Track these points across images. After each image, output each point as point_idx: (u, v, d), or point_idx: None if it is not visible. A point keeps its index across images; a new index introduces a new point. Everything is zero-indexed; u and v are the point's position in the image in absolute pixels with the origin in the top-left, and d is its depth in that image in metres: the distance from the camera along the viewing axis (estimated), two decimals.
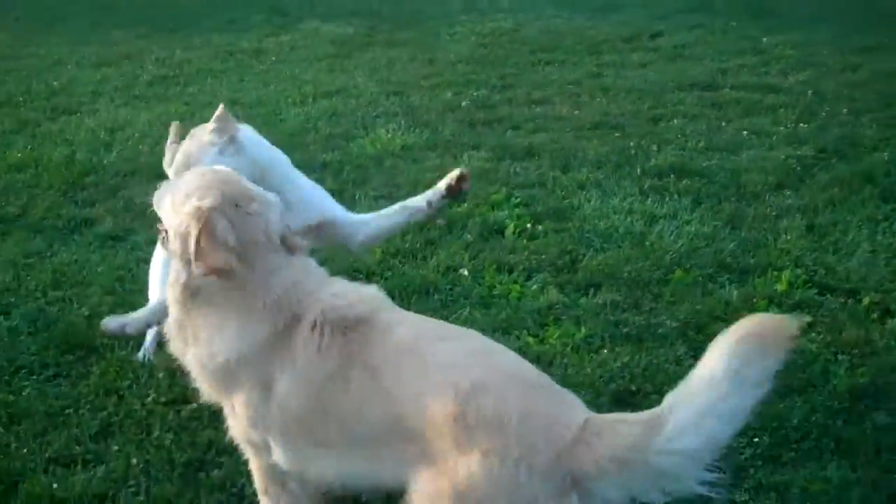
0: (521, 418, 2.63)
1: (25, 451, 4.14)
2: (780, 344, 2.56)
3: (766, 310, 5.13)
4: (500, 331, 5.04)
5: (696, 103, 9.40)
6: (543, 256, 5.93)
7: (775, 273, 5.58)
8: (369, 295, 3.18)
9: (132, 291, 5.63)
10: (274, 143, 8.57)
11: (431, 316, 5.20)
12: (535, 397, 2.75)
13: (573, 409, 2.76)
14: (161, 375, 4.67)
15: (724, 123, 8.69)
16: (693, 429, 2.51)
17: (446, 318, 5.21)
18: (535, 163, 7.76)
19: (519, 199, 6.89)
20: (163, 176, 7.67)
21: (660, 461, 2.52)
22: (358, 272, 5.78)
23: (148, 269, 6.01)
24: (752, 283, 5.51)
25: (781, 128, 8.42)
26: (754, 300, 5.26)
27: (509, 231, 6.33)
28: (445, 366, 2.84)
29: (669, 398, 2.60)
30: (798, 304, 5.24)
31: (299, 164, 7.38)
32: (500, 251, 6.05)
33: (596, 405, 4.24)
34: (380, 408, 2.86)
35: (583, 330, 5.04)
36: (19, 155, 8.31)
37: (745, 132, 8.37)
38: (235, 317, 3.10)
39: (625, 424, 2.62)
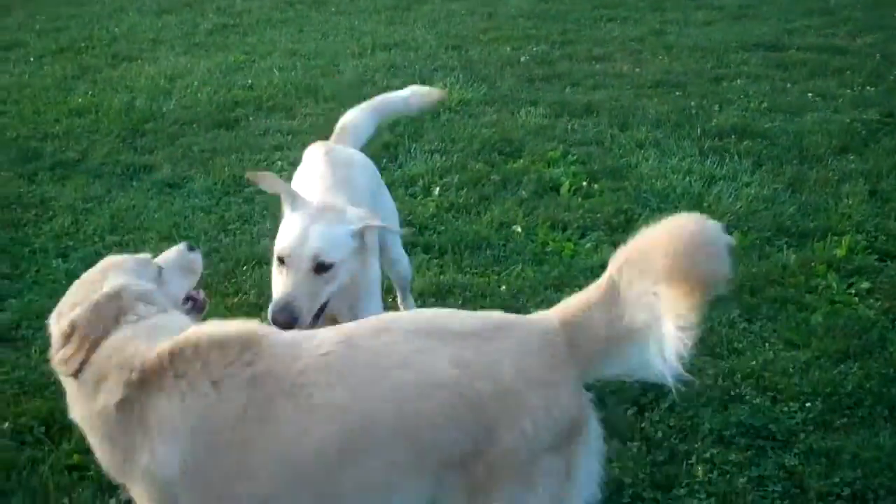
0: (519, 370, 2.54)
1: None
2: None
3: (824, 275, 5.06)
4: (552, 288, 5.02)
5: (761, 63, 9.21)
6: (598, 215, 5.87)
7: (835, 238, 5.47)
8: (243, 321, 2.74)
9: (188, 238, 5.68)
10: (331, 94, 8.62)
11: (484, 272, 5.25)
12: (509, 340, 2.60)
13: (538, 321, 2.69)
14: None
15: (788, 85, 8.51)
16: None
17: (499, 274, 5.23)
18: (593, 120, 7.67)
19: (575, 157, 6.82)
20: (221, 124, 7.78)
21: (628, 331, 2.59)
22: (411, 225, 5.78)
23: (204, 216, 6.09)
24: (811, 247, 5.41)
25: (847, 91, 8.23)
26: (812, 264, 5.17)
27: (564, 188, 6.27)
28: (406, 355, 2.55)
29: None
30: (857, 270, 5.14)
31: None
32: (555, 208, 6.00)
33: None
34: (334, 425, 2.50)
35: None
36: (80, 100, 8.43)
37: (809, 94, 8.18)
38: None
39: (591, 311, 2.63)
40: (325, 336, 2.67)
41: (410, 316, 2.84)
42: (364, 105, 4.70)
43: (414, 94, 4.88)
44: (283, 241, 3.54)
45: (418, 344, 2.57)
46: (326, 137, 4.53)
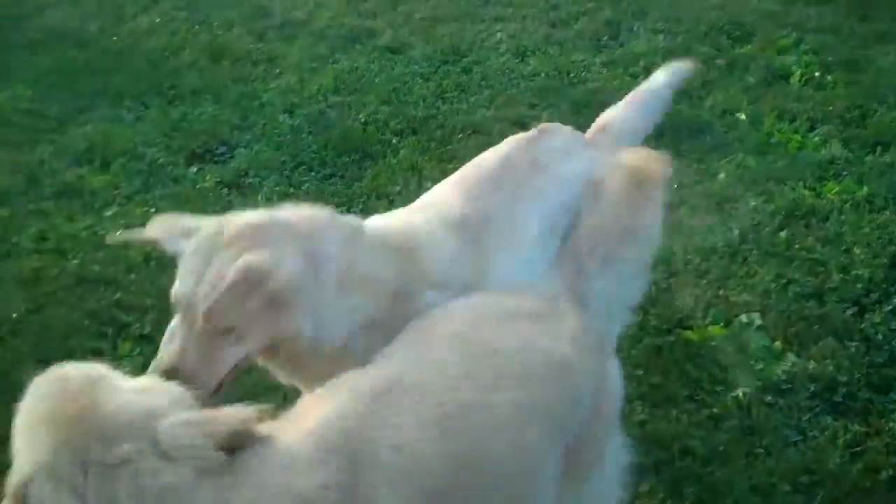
0: (584, 343, 2.38)
1: None
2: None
3: None
4: (773, 180, 4.83)
5: None
6: (830, 108, 5.56)
7: None
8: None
9: (406, 103, 5.78)
10: None
11: (702, 158, 5.08)
12: (556, 317, 2.40)
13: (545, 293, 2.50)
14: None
15: None
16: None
17: (717, 162, 5.06)
18: (830, 8, 7.19)
19: (809, 46, 6.44)
20: None
21: None
22: None
23: (422, 83, 6.13)
24: None
25: None
26: None
27: (795, 78, 5.96)
28: (520, 337, 2.31)
29: None
30: None
31: None
32: (783, 98, 5.72)
33: (871, 266, 4.08)
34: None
35: (865, 188, 4.73)
36: None
37: None
38: None
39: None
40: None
41: (474, 304, 2.44)
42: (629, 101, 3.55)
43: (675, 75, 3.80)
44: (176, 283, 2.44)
45: (516, 326, 2.32)
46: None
